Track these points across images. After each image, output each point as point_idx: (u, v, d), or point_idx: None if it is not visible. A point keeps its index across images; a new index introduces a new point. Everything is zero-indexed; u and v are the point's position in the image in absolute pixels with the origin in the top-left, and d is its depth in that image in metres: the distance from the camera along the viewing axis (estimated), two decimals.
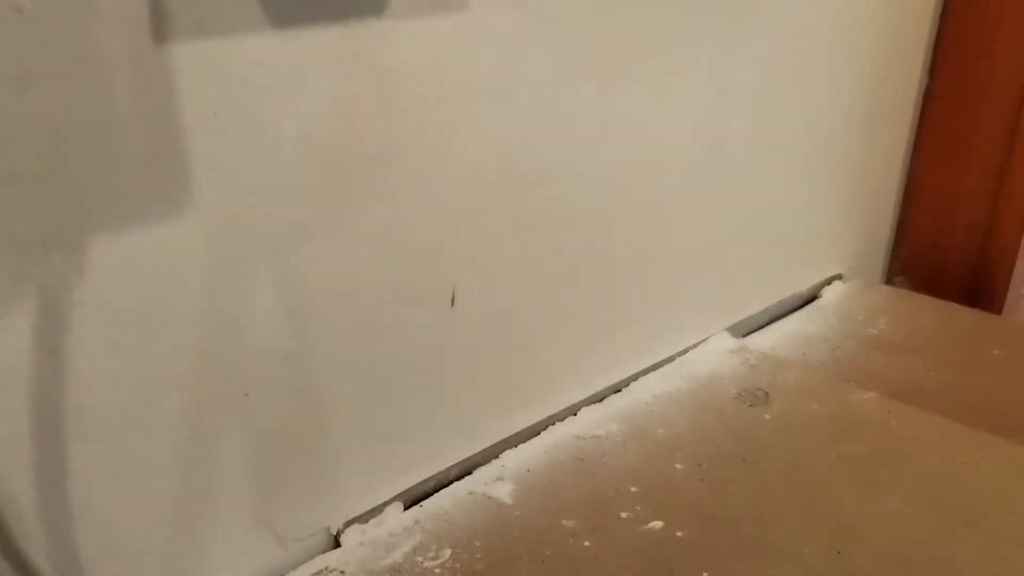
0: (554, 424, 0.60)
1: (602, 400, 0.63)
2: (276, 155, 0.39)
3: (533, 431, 0.58)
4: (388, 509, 0.51)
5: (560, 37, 0.49)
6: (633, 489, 0.52)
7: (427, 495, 0.52)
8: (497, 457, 0.56)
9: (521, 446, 0.57)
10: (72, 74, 0.32)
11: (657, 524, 0.49)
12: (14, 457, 0.35)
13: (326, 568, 0.47)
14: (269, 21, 0.37)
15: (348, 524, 0.49)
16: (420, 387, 0.50)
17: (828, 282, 0.82)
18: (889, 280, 0.92)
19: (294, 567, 0.47)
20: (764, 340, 0.72)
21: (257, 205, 0.39)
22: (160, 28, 0.34)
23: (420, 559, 0.47)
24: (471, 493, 0.52)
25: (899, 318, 0.75)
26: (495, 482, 0.54)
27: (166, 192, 0.36)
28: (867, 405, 0.61)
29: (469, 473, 0.55)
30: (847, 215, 0.82)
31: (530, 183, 0.52)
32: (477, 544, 0.48)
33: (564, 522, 0.50)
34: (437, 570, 0.46)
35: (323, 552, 0.48)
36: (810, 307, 0.79)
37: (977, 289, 0.86)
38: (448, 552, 0.47)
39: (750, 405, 0.61)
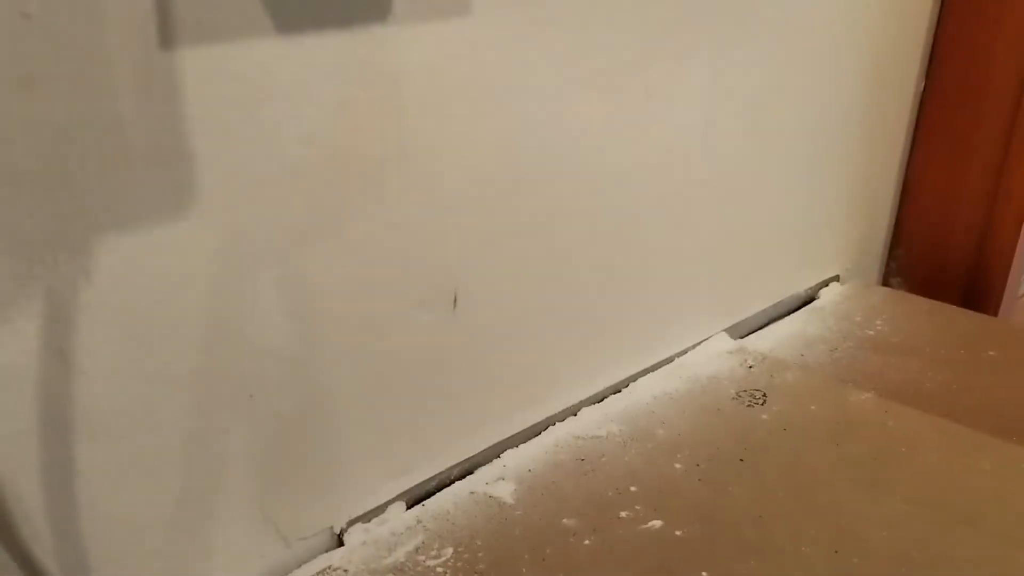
0: (555, 424, 0.60)
1: (602, 400, 0.63)
2: (280, 158, 0.39)
3: (534, 431, 0.59)
4: (391, 508, 0.51)
5: (561, 40, 0.49)
6: (633, 489, 0.53)
7: (429, 494, 0.53)
8: (498, 457, 0.56)
9: (522, 446, 0.58)
10: (79, 78, 0.33)
11: (656, 524, 0.49)
12: (21, 457, 0.35)
13: (329, 567, 0.47)
14: (274, 26, 0.37)
15: (351, 523, 0.49)
16: (422, 388, 0.51)
17: (826, 283, 0.83)
18: (887, 281, 0.92)
19: (298, 566, 0.47)
20: (763, 341, 0.72)
21: (261, 207, 0.40)
22: (166, 33, 0.34)
23: (422, 558, 0.47)
24: (473, 493, 0.53)
25: (897, 319, 0.76)
26: (496, 482, 0.54)
27: (171, 194, 0.37)
28: (865, 406, 0.61)
29: (471, 473, 0.55)
30: (845, 216, 0.82)
31: (531, 185, 0.52)
32: (479, 543, 0.48)
33: (565, 521, 0.50)
34: (439, 569, 0.46)
35: (326, 551, 0.48)
36: (808, 308, 0.79)
37: (974, 290, 0.86)
38: (450, 551, 0.47)
39: (749, 406, 0.62)
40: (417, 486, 0.53)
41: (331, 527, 0.49)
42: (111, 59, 0.33)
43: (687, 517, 0.50)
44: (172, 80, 0.35)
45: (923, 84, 0.84)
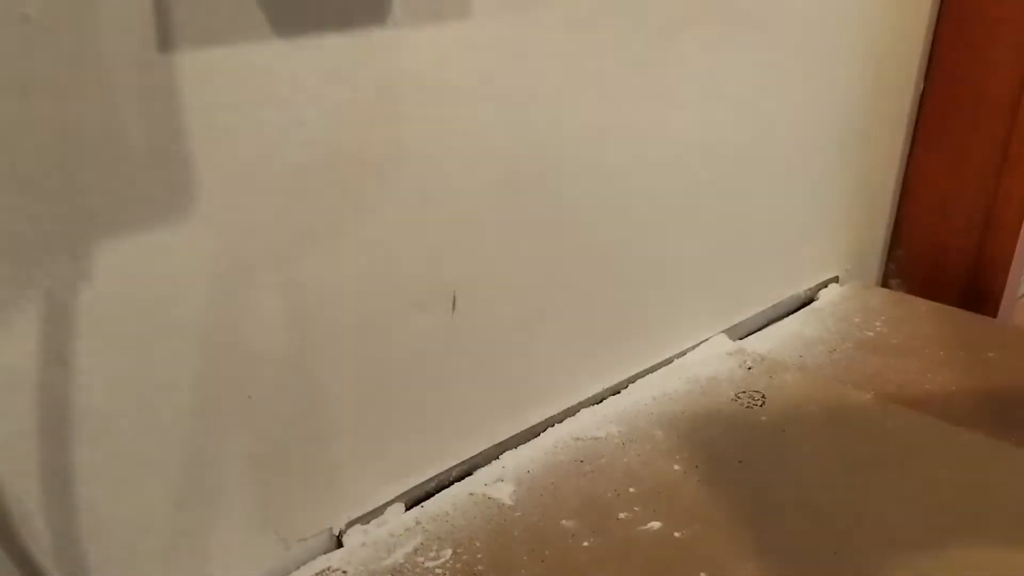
0: (553, 426, 0.60)
1: (601, 402, 0.63)
2: (279, 162, 0.40)
3: (533, 432, 0.59)
4: (389, 510, 0.51)
5: (561, 43, 0.49)
6: (632, 490, 0.53)
7: (428, 496, 0.53)
8: (497, 458, 0.57)
9: (521, 447, 0.58)
10: (78, 82, 0.33)
11: (655, 525, 0.49)
12: (21, 460, 0.35)
13: (328, 568, 0.47)
14: (274, 30, 0.37)
15: (350, 524, 0.50)
16: (421, 390, 0.51)
17: (825, 284, 0.83)
18: (886, 283, 0.92)
19: (297, 567, 0.47)
20: (762, 342, 0.72)
21: (260, 210, 0.40)
22: (165, 37, 0.34)
23: (421, 559, 0.47)
24: (472, 494, 0.53)
25: (896, 321, 0.76)
26: (495, 483, 0.54)
27: (171, 198, 0.37)
28: (864, 407, 0.61)
29: (469, 474, 0.55)
30: (844, 217, 0.82)
31: (530, 187, 0.52)
32: (478, 544, 0.48)
33: (564, 523, 0.50)
34: (438, 570, 0.46)
35: (325, 552, 0.48)
36: (807, 309, 0.79)
37: (974, 292, 0.86)
38: (449, 552, 0.48)
39: (747, 407, 0.62)
40: (416, 487, 0.53)
41: (330, 528, 0.49)
42: (110, 62, 0.33)
43: (686, 518, 0.50)
44: (171, 83, 0.35)
45: (923, 85, 0.84)
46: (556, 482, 0.54)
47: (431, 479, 0.53)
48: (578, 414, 0.61)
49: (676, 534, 0.49)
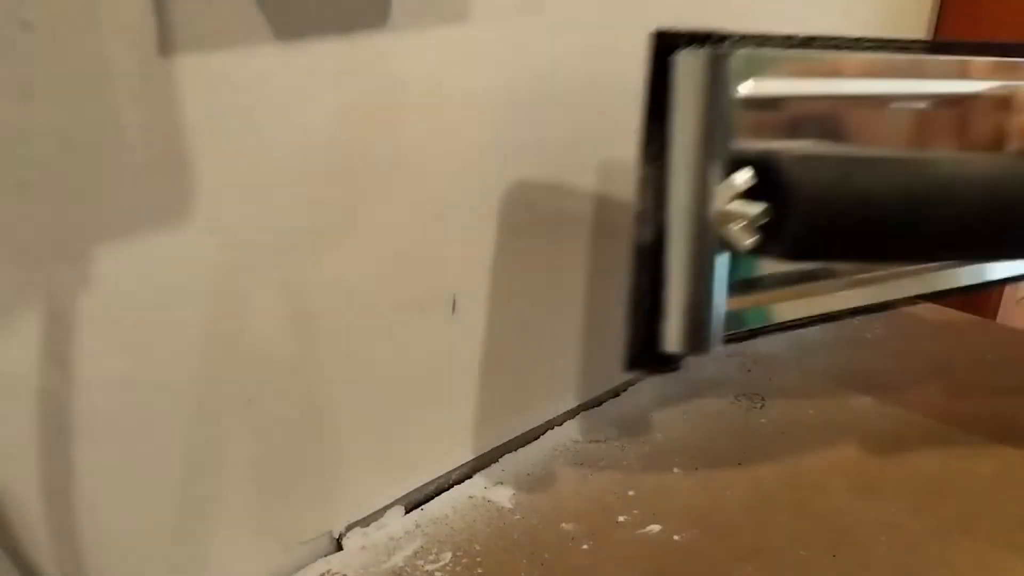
0: (553, 429, 0.60)
1: (600, 405, 0.63)
2: (280, 165, 0.40)
3: (532, 435, 0.59)
4: (389, 513, 0.51)
5: (562, 45, 0.49)
6: (631, 493, 0.53)
7: (428, 499, 0.53)
8: (497, 461, 0.57)
9: (520, 450, 0.58)
10: (78, 86, 0.33)
11: (655, 528, 0.50)
12: (21, 464, 0.35)
13: (328, 571, 0.47)
14: (274, 33, 0.37)
15: (350, 528, 0.50)
16: (421, 393, 0.51)
17: None
18: None
19: (296, 569, 0.47)
20: (762, 344, 0.72)
21: (261, 214, 0.40)
22: (165, 41, 0.34)
23: (421, 562, 0.47)
24: (471, 497, 0.53)
25: (895, 323, 0.76)
26: (495, 486, 0.54)
27: (171, 202, 0.37)
28: (863, 409, 0.61)
29: (469, 477, 0.55)
30: None
31: (530, 190, 0.52)
32: (477, 548, 0.48)
33: (563, 526, 0.50)
34: (438, 573, 0.46)
35: (325, 555, 0.48)
36: None
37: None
38: (449, 555, 0.48)
39: (747, 410, 0.62)
40: (416, 491, 0.53)
41: (330, 532, 0.49)
42: (111, 67, 0.33)
43: (685, 521, 0.50)
44: (171, 87, 0.35)
45: None
46: (555, 485, 0.54)
47: (431, 482, 0.54)
48: (577, 417, 0.62)
49: (676, 537, 0.49)
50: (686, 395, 0.64)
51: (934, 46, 0.52)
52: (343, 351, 0.45)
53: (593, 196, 0.56)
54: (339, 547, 0.49)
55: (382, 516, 0.51)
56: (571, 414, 0.61)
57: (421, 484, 0.53)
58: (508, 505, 0.52)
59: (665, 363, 0.45)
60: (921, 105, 0.52)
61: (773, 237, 0.38)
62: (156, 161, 0.36)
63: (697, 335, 0.43)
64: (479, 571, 0.46)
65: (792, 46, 0.45)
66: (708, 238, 0.40)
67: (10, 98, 0.31)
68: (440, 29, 0.43)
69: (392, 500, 0.51)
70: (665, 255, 0.42)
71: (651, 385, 0.65)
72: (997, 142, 0.51)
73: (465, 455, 0.55)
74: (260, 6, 0.36)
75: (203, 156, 0.37)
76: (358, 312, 0.45)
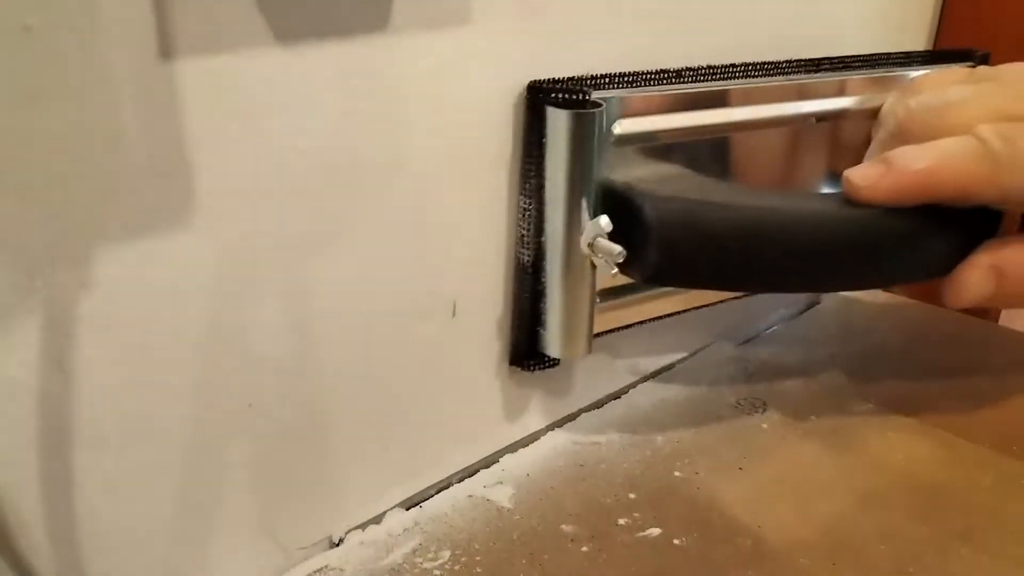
0: (553, 430, 0.60)
1: (601, 407, 0.63)
2: (280, 169, 0.39)
3: (533, 436, 0.59)
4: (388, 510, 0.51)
5: (562, 48, 0.49)
6: (632, 496, 0.53)
7: (427, 496, 0.53)
8: (497, 462, 0.57)
9: (521, 451, 0.58)
10: (79, 90, 0.33)
11: (655, 531, 0.50)
12: (20, 469, 0.35)
13: (326, 567, 0.47)
14: (274, 37, 0.37)
15: (350, 532, 0.50)
16: (422, 396, 0.51)
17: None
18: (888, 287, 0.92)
19: (293, 564, 0.47)
20: (763, 347, 0.72)
21: (261, 219, 0.40)
22: (166, 44, 0.34)
23: (419, 560, 0.47)
24: (471, 496, 0.53)
25: (898, 326, 0.76)
26: (495, 486, 0.54)
27: (172, 205, 0.37)
28: (865, 415, 0.61)
29: (469, 476, 0.55)
30: None
31: None
32: (476, 547, 0.48)
33: (563, 527, 0.50)
34: (437, 572, 0.46)
35: (323, 551, 0.48)
36: (809, 313, 0.79)
37: None
38: (447, 554, 0.48)
39: (748, 413, 0.62)
40: (417, 495, 0.53)
41: (330, 537, 0.49)
42: (111, 70, 0.33)
43: (686, 525, 0.50)
44: (172, 91, 0.35)
45: None
46: (555, 486, 0.54)
47: (431, 486, 0.54)
48: (578, 418, 0.62)
49: (676, 541, 0.49)
50: (687, 399, 0.64)
51: (806, 65, 0.58)
52: (344, 355, 0.45)
53: None
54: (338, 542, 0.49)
55: (382, 520, 0.51)
56: (572, 416, 0.61)
57: (422, 488, 0.53)
58: (508, 505, 0.52)
59: (547, 363, 0.54)
60: (790, 127, 0.57)
61: (635, 264, 0.45)
62: (156, 164, 0.36)
63: (571, 342, 0.51)
64: (478, 570, 0.46)
65: (664, 81, 0.50)
66: (578, 264, 0.48)
67: (10, 102, 0.31)
68: (440, 31, 0.43)
69: (392, 504, 0.52)
70: (543, 273, 0.50)
71: (652, 388, 0.65)
72: (843, 160, 0.56)
73: (467, 459, 0.55)
74: (261, 9, 0.36)
75: (203, 159, 0.37)
76: (359, 316, 0.45)
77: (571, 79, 0.47)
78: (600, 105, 0.45)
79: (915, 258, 0.48)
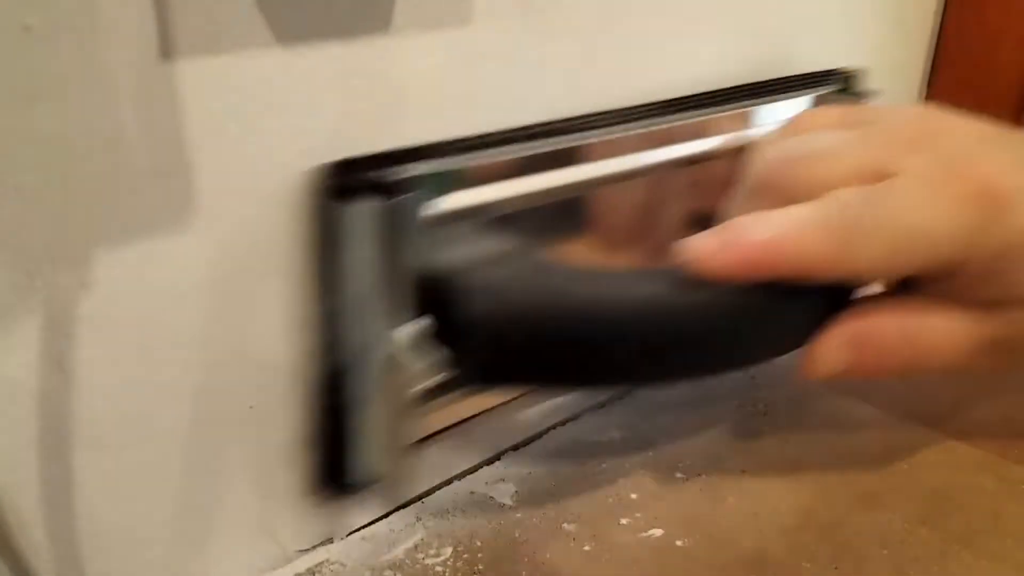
0: (556, 428, 0.60)
1: (604, 406, 0.63)
2: (281, 169, 0.39)
3: (536, 435, 0.59)
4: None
5: (562, 50, 0.49)
6: (633, 496, 0.53)
7: (429, 492, 0.53)
8: (499, 459, 0.57)
9: (523, 449, 0.58)
10: (79, 90, 0.33)
11: (657, 532, 0.49)
12: (20, 469, 0.35)
13: (327, 560, 0.47)
14: (275, 37, 0.37)
15: (351, 534, 0.50)
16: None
17: None
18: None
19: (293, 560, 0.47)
20: None
21: (261, 219, 0.40)
22: (166, 44, 0.34)
23: (421, 556, 0.47)
24: (472, 492, 0.53)
25: None
26: (497, 483, 0.54)
27: (172, 206, 0.37)
28: (867, 420, 0.61)
29: (471, 472, 0.55)
30: None
31: None
32: (478, 544, 0.48)
33: (564, 526, 0.50)
34: (438, 568, 0.46)
35: (324, 545, 0.48)
36: None
37: None
38: (449, 550, 0.48)
39: (750, 417, 0.61)
40: (417, 496, 0.53)
41: (331, 539, 0.49)
42: (111, 70, 0.33)
43: (687, 527, 0.50)
44: (172, 91, 0.35)
45: (924, 93, 0.83)
46: (557, 485, 0.54)
47: (433, 488, 0.53)
48: (580, 418, 0.61)
49: (678, 542, 0.49)
50: (690, 401, 0.63)
51: (626, 115, 0.50)
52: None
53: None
54: None
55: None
56: (574, 415, 0.61)
57: (424, 489, 0.53)
58: (510, 503, 0.52)
59: (351, 489, 0.45)
60: (649, 177, 0.50)
61: (460, 366, 0.39)
62: (156, 164, 0.36)
63: (378, 461, 0.43)
64: (479, 567, 0.46)
65: (472, 148, 0.43)
66: (384, 379, 0.40)
67: (11, 102, 0.31)
68: (441, 32, 0.42)
69: (395, 506, 0.51)
70: (347, 388, 0.41)
71: (656, 390, 0.65)
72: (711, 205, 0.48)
73: (469, 460, 0.55)
74: (261, 9, 0.36)
75: (204, 159, 0.37)
76: None
77: (383, 154, 0.40)
78: (407, 190, 0.38)
79: (767, 337, 0.43)
